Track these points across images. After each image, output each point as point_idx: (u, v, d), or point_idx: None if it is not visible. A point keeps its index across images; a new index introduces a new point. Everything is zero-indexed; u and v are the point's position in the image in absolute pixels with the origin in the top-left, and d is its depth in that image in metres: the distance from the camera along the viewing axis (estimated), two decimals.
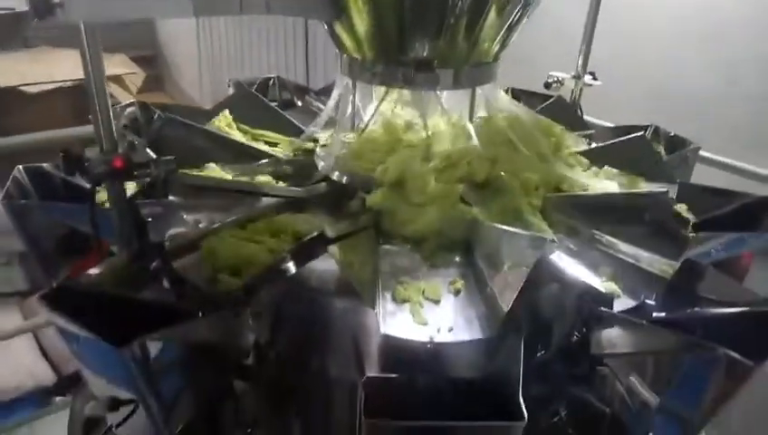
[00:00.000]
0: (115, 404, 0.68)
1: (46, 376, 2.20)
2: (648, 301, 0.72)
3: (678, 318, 0.69)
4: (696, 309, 0.69)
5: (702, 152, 1.13)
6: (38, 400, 2.09)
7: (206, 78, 3.38)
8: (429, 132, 0.86)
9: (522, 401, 0.53)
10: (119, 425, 0.72)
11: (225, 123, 0.99)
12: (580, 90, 1.16)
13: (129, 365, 0.55)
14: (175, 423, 0.70)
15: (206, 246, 0.69)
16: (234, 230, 0.73)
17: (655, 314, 0.70)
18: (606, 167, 0.93)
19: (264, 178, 0.87)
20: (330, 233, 0.68)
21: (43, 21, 0.53)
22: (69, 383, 2.09)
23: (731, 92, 1.61)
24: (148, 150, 0.66)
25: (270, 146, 0.98)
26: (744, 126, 1.58)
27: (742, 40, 1.56)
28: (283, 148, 0.97)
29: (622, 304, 0.71)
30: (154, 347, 0.62)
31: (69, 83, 2.63)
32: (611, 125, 1.16)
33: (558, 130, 0.93)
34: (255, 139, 0.99)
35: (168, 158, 0.67)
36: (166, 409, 0.66)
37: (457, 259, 0.76)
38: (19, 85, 2.58)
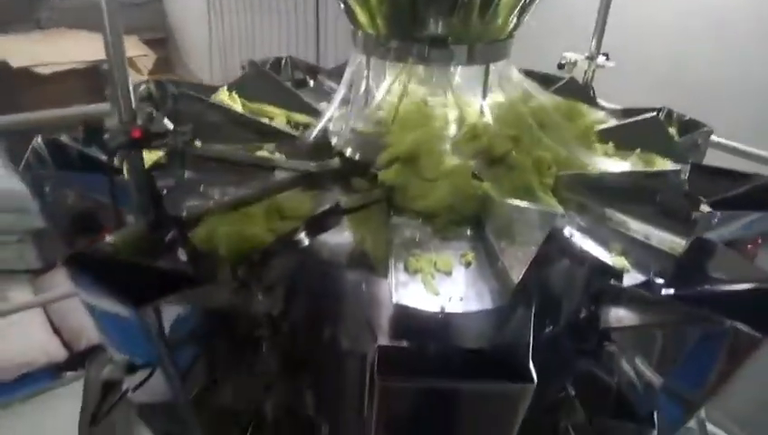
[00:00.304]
0: (132, 368, 0.70)
1: (58, 353, 2.24)
2: (658, 278, 0.73)
3: (687, 294, 0.69)
4: (706, 286, 0.70)
5: (713, 138, 1.12)
6: (50, 375, 2.13)
7: (217, 60, 3.38)
8: (444, 110, 0.87)
9: (531, 365, 0.54)
10: (135, 388, 0.74)
11: (224, 98, 1.00)
12: (593, 71, 1.15)
13: (147, 327, 0.56)
14: (191, 388, 0.72)
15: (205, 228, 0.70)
16: (240, 210, 0.74)
17: (664, 291, 0.71)
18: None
19: (278, 155, 0.88)
20: (344, 203, 0.69)
21: None
22: (80, 359, 2.13)
23: (741, 81, 1.60)
24: (166, 121, 0.67)
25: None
26: (754, 114, 1.57)
27: (752, 28, 1.55)
28: (297, 124, 0.97)
29: (631, 280, 0.72)
30: (170, 316, 0.64)
31: (82, 65, 2.64)
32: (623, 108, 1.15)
33: (584, 109, 0.92)
34: (268, 115, 1.00)
35: (185, 129, 0.68)
36: (182, 374, 0.68)
37: (468, 233, 0.76)
38: (32, 66, 2.59)
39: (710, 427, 1.13)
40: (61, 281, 2.32)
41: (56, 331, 2.29)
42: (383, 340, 0.67)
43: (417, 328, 0.64)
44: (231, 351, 0.80)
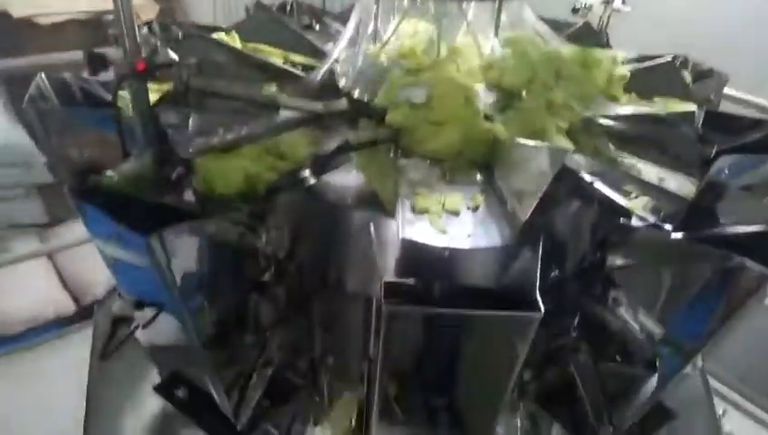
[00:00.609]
0: (140, 304, 0.70)
1: (67, 306, 2.27)
2: (668, 221, 0.72)
3: (698, 236, 0.69)
4: (716, 229, 0.69)
5: (730, 90, 1.10)
6: (58, 328, 2.17)
7: (220, 12, 3.31)
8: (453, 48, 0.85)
9: (539, 296, 0.54)
10: (146, 325, 0.74)
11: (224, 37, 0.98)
12: (609, 16, 1.12)
13: (155, 257, 0.56)
14: (198, 326, 0.72)
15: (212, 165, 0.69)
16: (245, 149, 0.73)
17: (674, 235, 0.70)
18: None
19: (284, 95, 0.86)
20: (352, 139, 0.68)
21: None
22: (89, 313, 2.16)
23: (760, 31, 1.55)
24: (171, 52, 0.66)
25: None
26: None
27: None
28: (303, 66, 0.95)
29: (642, 222, 0.71)
30: (179, 253, 0.64)
31: (84, 15, 2.59)
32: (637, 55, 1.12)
33: (599, 55, 0.90)
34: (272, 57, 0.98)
35: (191, 61, 0.66)
36: (190, 312, 0.68)
37: (478, 178, 0.76)
38: (33, 16, 2.54)
39: (711, 381, 1.15)
40: (67, 235, 2.34)
41: (64, 285, 2.32)
42: (389, 278, 0.67)
43: (424, 265, 0.64)
44: (238, 291, 0.80)
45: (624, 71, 0.89)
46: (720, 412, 1.13)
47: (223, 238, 0.66)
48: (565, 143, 0.75)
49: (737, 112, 0.90)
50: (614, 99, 0.88)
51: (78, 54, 1.55)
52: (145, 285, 0.69)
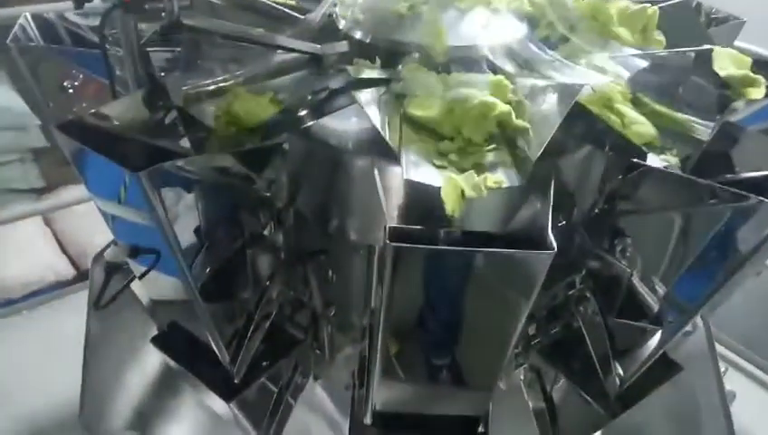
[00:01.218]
0: (135, 251, 0.68)
1: (66, 271, 2.26)
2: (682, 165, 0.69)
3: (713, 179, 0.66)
4: (732, 173, 0.67)
5: (741, 43, 1.06)
6: (58, 291, 2.16)
7: None
8: None
9: (551, 235, 0.52)
10: (142, 276, 0.72)
11: None
12: None
13: (149, 195, 0.53)
14: (196, 276, 0.70)
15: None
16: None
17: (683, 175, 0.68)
18: None
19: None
20: (354, 74, 0.65)
21: None
22: (87, 277, 2.15)
23: None
24: None
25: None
26: None
27: None
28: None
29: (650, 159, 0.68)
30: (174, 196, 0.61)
31: None
32: None
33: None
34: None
35: None
36: (187, 261, 0.66)
37: None
38: None
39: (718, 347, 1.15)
40: (64, 199, 2.31)
41: (63, 250, 2.31)
42: (393, 223, 0.64)
43: (430, 209, 0.61)
44: (236, 240, 0.78)
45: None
46: (723, 370, 1.12)
47: (220, 181, 0.63)
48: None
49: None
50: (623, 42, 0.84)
51: (69, 5, 1.50)
52: (140, 230, 0.66)
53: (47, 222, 2.41)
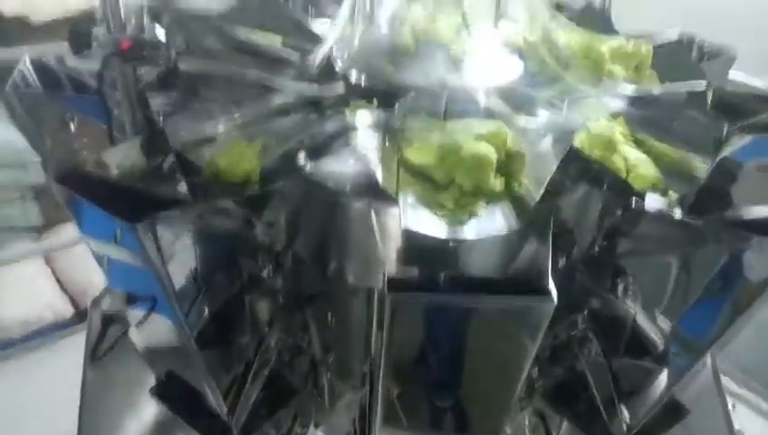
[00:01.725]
0: (131, 299, 0.67)
1: (65, 310, 2.25)
2: (680, 202, 0.69)
3: (712, 218, 0.66)
4: (731, 210, 0.67)
5: (736, 74, 1.07)
6: (57, 332, 2.15)
7: None
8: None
9: (552, 283, 0.51)
10: (138, 323, 0.71)
11: None
12: None
13: (145, 245, 0.53)
14: (193, 323, 0.69)
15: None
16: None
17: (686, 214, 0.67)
18: None
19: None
20: (352, 122, 0.65)
21: None
22: (86, 316, 2.14)
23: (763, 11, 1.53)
24: (158, 28, 0.63)
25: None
26: None
27: None
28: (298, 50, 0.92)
29: (652, 202, 0.68)
30: (171, 246, 0.61)
31: (75, 13, 2.56)
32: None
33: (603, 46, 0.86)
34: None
35: (179, 40, 0.63)
36: (184, 309, 0.65)
37: None
38: (25, 14, 2.51)
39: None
40: (64, 238, 2.31)
41: (62, 288, 2.30)
42: (391, 268, 0.63)
43: (428, 256, 0.61)
44: (233, 285, 0.77)
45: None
46: (730, 407, 1.10)
47: (218, 228, 0.63)
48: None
49: (746, 91, 0.88)
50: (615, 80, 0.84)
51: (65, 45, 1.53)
52: (135, 277, 0.66)
53: (47, 260, 2.41)
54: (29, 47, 1.36)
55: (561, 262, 0.72)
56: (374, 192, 0.64)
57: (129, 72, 0.62)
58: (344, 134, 0.70)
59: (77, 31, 0.58)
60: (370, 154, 0.69)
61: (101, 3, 0.61)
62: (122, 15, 0.62)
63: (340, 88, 0.80)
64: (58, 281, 2.34)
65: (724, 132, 0.76)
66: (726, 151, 0.72)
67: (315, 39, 0.96)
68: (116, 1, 0.61)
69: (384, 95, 0.79)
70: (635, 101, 0.78)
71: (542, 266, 0.57)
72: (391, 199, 0.63)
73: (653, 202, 0.64)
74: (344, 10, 0.88)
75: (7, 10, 2.45)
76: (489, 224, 0.62)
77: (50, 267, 2.36)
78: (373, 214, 0.65)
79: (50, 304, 2.22)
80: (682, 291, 0.74)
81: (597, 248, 0.75)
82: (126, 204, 0.54)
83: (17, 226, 2.39)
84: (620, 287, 0.80)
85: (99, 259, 0.71)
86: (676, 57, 0.90)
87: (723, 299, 0.67)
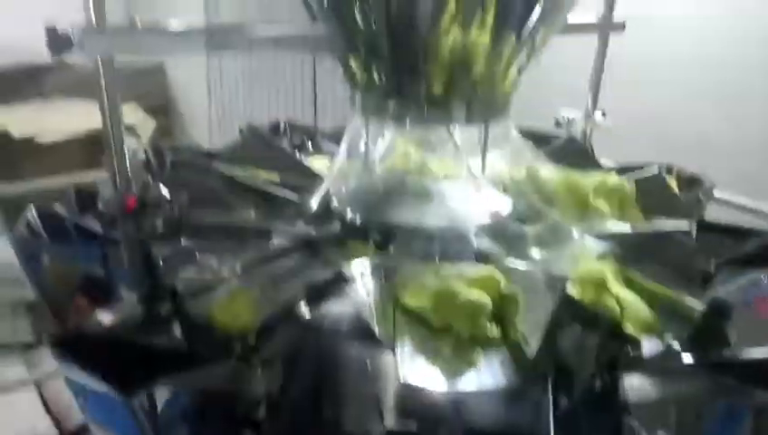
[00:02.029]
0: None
1: (49, 432, 2.15)
2: (675, 343, 0.69)
3: (708, 361, 0.66)
4: (727, 353, 0.67)
5: (721, 193, 1.12)
6: None
7: (216, 127, 3.44)
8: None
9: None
10: None
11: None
12: (591, 128, 1.16)
13: (138, 414, 0.53)
14: None
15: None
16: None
17: (683, 358, 0.67)
18: None
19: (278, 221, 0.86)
20: (346, 273, 0.66)
21: (59, 55, 0.54)
22: None
23: (737, 137, 1.62)
24: (162, 188, 0.66)
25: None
26: (750, 170, 1.58)
27: (750, 87, 1.58)
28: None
29: (648, 345, 0.68)
30: (163, 397, 0.60)
31: (83, 133, 2.67)
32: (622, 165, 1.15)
33: (585, 182, 0.91)
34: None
35: (182, 197, 0.66)
36: None
37: None
38: (33, 135, 2.62)
39: None
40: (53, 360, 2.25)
41: (47, 408, 2.21)
42: (390, 419, 0.62)
43: (427, 407, 0.60)
44: (226, 432, 0.75)
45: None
46: None
47: (212, 386, 0.62)
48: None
49: (730, 222, 0.91)
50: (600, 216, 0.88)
51: (75, 178, 1.59)
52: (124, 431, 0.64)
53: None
54: (37, 180, 1.40)
55: (563, 404, 0.71)
56: (370, 339, 0.64)
57: (133, 229, 0.64)
58: (340, 278, 0.71)
59: (82, 192, 0.61)
60: (366, 298, 0.70)
61: (108, 161, 0.64)
62: (129, 173, 0.65)
63: (336, 228, 0.83)
64: (42, 400, 2.25)
65: (713, 268, 0.78)
66: (718, 289, 0.74)
67: (312, 175, 1.01)
68: (122, 160, 0.64)
69: (380, 235, 0.82)
70: (622, 238, 0.80)
71: (544, 419, 0.56)
72: (389, 347, 0.63)
73: (650, 347, 0.65)
74: (341, 150, 0.93)
75: (17, 131, 2.56)
76: (488, 374, 0.62)
77: (35, 386, 2.28)
78: (369, 362, 0.65)
79: (33, 426, 2.13)
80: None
81: (597, 387, 0.74)
82: (120, 367, 0.54)
83: (6, 343, 2.34)
84: (626, 426, 0.78)
85: (76, 390, 0.68)
86: (658, 189, 0.94)
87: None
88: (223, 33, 0.66)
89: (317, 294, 0.70)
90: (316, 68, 2.44)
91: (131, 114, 3.04)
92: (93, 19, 0.55)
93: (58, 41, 0.53)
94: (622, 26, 1.09)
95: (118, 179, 0.64)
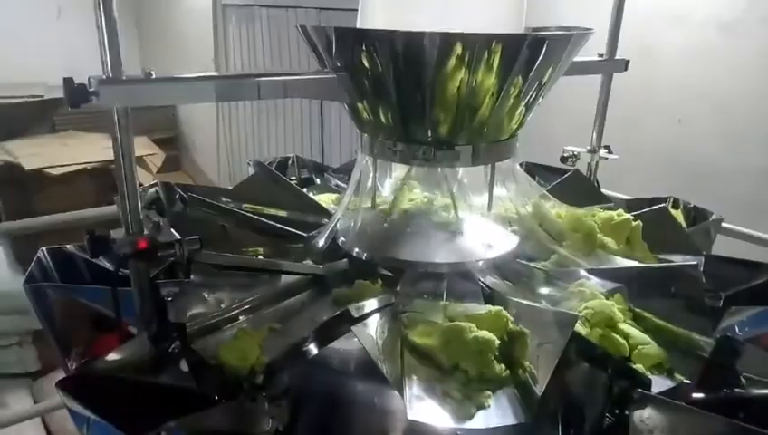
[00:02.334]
0: None
1: None
2: (685, 380, 0.69)
3: (719, 399, 0.65)
4: (737, 390, 0.66)
5: (728, 226, 1.12)
6: None
7: (224, 159, 3.48)
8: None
9: None
10: None
11: None
12: (596, 163, 1.17)
13: None
14: None
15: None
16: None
17: (693, 395, 0.67)
18: None
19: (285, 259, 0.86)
20: (354, 313, 0.67)
21: (78, 107, 0.55)
22: None
23: (742, 165, 1.63)
24: (173, 231, 0.67)
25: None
26: (756, 198, 1.59)
27: (748, 114, 1.60)
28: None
29: (657, 383, 0.68)
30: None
31: (92, 165, 2.72)
32: (628, 197, 1.15)
33: (589, 220, 0.92)
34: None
35: (193, 238, 0.67)
36: None
37: None
38: (44, 168, 2.67)
39: None
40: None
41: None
42: None
43: None
44: None
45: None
46: None
47: (219, 426, 0.62)
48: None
49: (732, 256, 0.91)
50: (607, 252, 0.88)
51: (85, 213, 1.61)
52: None
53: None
54: (48, 216, 1.43)
55: None
56: (378, 378, 0.64)
57: (143, 270, 0.65)
58: (348, 316, 0.72)
59: (95, 236, 0.62)
60: (374, 336, 0.70)
61: (122, 206, 0.65)
62: (140, 213, 0.66)
63: (343, 265, 0.83)
64: (47, 430, 2.24)
65: (721, 303, 0.78)
66: (726, 325, 0.74)
67: (320, 211, 1.02)
68: (136, 204, 0.65)
69: (387, 270, 0.83)
70: (630, 274, 0.80)
71: None
72: (396, 386, 0.63)
73: (661, 384, 0.64)
74: (349, 189, 0.94)
75: (28, 164, 2.61)
76: (497, 412, 0.62)
77: (40, 417, 2.27)
78: (377, 400, 0.64)
79: None
80: None
81: (608, 424, 0.74)
82: (127, 408, 0.54)
83: (13, 372, 2.34)
84: None
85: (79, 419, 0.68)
86: (666, 224, 0.94)
87: None
88: (234, 83, 0.68)
89: (325, 333, 0.70)
90: (323, 105, 2.48)
91: (142, 147, 3.09)
92: (110, 70, 0.57)
93: (76, 93, 0.55)
94: (625, 65, 1.11)
95: (130, 222, 0.65)
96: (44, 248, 0.79)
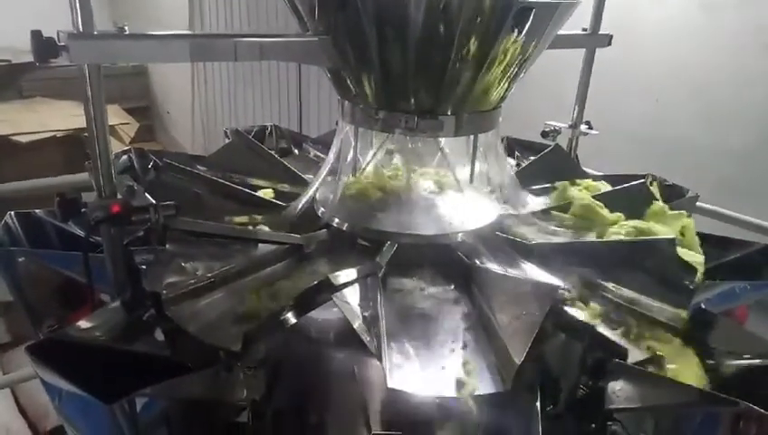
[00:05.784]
0: None
1: (23, 433, 2.11)
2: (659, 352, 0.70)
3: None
4: (709, 361, 0.68)
5: (699, 202, 1.13)
6: None
7: (199, 128, 3.41)
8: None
9: None
10: None
11: None
12: (577, 139, 1.17)
13: (118, 422, 0.51)
14: None
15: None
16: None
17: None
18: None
19: (263, 226, 0.85)
20: (334, 280, 0.66)
21: (46, 63, 0.52)
22: None
23: (719, 145, 1.66)
24: (148, 196, 0.65)
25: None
26: (732, 178, 1.62)
27: (729, 93, 1.62)
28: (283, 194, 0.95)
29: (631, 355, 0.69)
30: (143, 402, 0.59)
31: (61, 133, 2.63)
32: (607, 174, 1.16)
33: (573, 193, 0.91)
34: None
35: (168, 203, 0.65)
36: None
37: (463, 311, 0.73)
38: (11, 134, 2.57)
39: None
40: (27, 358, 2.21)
41: (21, 410, 2.17)
42: (376, 427, 0.62)
43: (413, 414, 0.60)
44: None
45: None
46: None
47: (194, 393, 0.61)
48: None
49: (712, 233, 0.92)
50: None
51: (56, 180, 1.56)
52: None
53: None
54: (17, 182, 1.38)
55: (549, 407, 0.72)
56: (357, 345, 0.64)
57: (117, 235, 0.63)
58: (327, 285, 0.71)
59: (65, 199, 0.59)
60: (354, 305, 0.69)
61: (94, 169, 0.62)
62: (113, 178, 0.63)
63: (323, 235, 0.82)
64: (17, 402, 2.21)
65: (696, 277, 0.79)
66: (700, 299, 0.75)
67: (299, 182, 1.00)
68: (108, 165, 0.63)
69: (366, 241, 0.82)
70: (606, 247, 0.81)
71: (533, 426, 0.56)
72: (376, 354, 0.62)
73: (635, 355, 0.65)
74: (329, 157, 0.92)
75: None
76: (477, 381, 0.62)
77: (9, 388, 2.23)
78: (356, 368, 0.64)
79: (6, 425, 2.08)
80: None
81: (584, 394, 0.75)
82: (101, 374, 0.53)
83: None
84: (610, 431, 0.79)
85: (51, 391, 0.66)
86: (643, 198, 0.95)
87: None
88: (209, 43, 0.65)
89: (304, 302, 0.69)
90: (301, 74, 2.43)
91: (113, 115, 3.00)
92: (80, 24, 0.54)
93: (44, 47, 0.52)
94: (608, 40, 1.10)
95: (102, 185, 0.63)
96: (12, 213, 0.76)
